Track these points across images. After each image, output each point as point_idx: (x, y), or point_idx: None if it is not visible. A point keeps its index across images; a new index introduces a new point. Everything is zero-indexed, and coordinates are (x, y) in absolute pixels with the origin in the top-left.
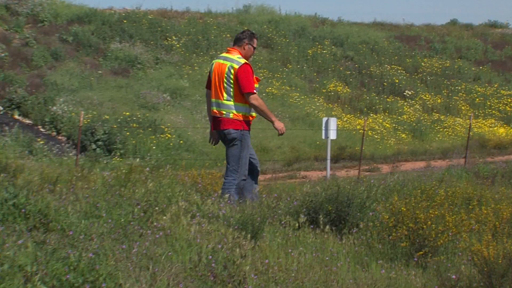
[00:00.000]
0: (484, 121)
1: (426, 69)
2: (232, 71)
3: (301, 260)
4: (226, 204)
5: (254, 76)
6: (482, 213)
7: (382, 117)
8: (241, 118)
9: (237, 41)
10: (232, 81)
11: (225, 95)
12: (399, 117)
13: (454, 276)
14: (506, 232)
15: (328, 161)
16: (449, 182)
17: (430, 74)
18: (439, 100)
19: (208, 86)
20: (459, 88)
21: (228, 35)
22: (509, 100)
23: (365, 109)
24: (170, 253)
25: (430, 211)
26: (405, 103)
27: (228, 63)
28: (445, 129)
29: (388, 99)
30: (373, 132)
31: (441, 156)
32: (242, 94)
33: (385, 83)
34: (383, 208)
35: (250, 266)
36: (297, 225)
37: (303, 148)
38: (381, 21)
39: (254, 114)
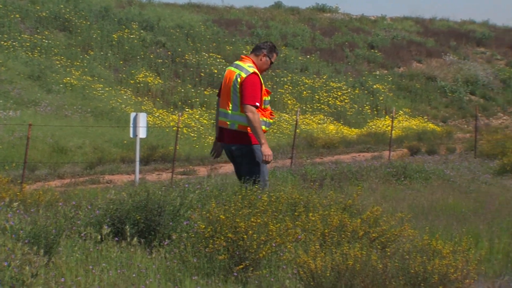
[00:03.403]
0: (312, 117)
1: None
2: (239, 79)
3: (103, 278)
4: (15, 214)
5: (264, 89)
6: (309, 220)
7: (199, 112)
8: (248, 131)
9: (256, 50)
10: (238, 90)
11: (230, 105)
12: None
13: None
14: (335, 241)
15: (137, 163)
16: (273, 186)
17: None
18: None
19: (219, 94)
20: (285, 79)
21: (17, 16)
22: (339, 93)
23: (180, 103)
24: None
25: (252, 219)
26: None
27: (237, 71)
28: None
29: (205, 92)
30: (189, 130)
31: None
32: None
33: (202, 74)
34: (199, 216)
35: (43, 286)
36: (99, 237)
37: (107, 148)
38: (197, 2)
39: (264, 127)
